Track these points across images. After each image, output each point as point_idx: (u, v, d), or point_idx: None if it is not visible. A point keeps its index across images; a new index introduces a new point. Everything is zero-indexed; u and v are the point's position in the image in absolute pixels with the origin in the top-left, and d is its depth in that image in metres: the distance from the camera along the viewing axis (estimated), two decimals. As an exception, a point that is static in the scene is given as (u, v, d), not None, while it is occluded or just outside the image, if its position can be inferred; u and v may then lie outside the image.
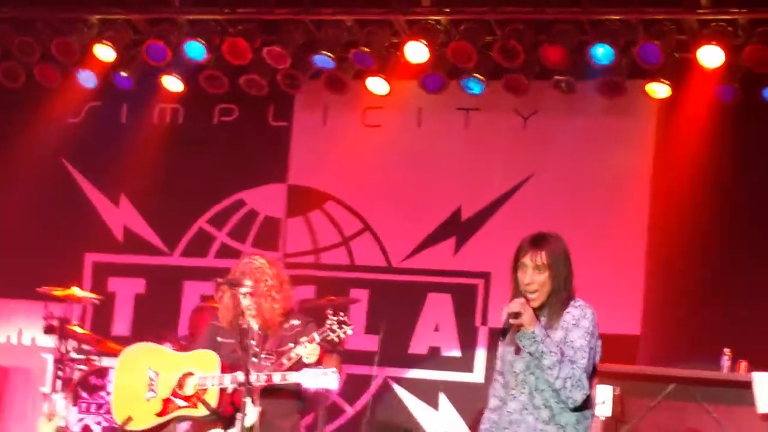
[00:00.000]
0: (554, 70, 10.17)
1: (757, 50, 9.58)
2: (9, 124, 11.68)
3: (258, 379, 7.07)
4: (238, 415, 6.94)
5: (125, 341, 9.22)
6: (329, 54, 10.41)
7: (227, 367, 7.24)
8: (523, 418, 5.53)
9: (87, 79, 11.01)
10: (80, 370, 9.74)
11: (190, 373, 7.33)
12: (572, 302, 5.57)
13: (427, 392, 10.72)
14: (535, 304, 5.52)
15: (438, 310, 10.79)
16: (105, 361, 9.77)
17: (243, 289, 7.29)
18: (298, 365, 7.17)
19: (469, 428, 10.40)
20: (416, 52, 10.26)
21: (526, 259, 5.55)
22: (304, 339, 7.21)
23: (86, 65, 10.93)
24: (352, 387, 10.57)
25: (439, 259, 10.85)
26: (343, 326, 7.17)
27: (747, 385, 8.20)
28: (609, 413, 8.35)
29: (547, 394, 5.49)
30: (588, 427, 5.61)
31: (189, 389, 7.32)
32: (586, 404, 5.54)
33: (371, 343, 10.46)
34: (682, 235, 10.11)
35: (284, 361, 7.20)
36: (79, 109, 11.62)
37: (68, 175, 11.64)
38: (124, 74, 10.96)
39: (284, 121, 11.33)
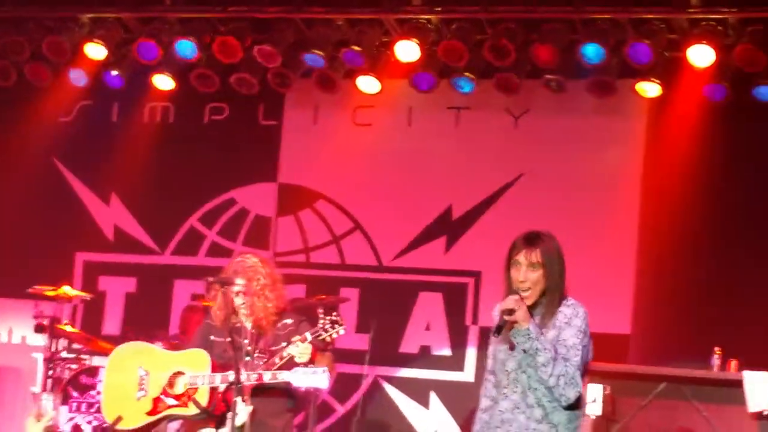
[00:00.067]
0: (545, 69, 10.17)
1: (747, 50, 9.59)
2: (0, 123, 11.67)
3: (248, 377, 7.08)
4: (229, 414, 6.94)
5: (116, 340, 9.22)
6: (320, 53, 10.41)
7: (219, 366, 7.23)
8: (514, 417, 5.51)
9: (78, 77, 11.00)
10: (71, 369, 9.73)
11: (181, 372, 7.32)
12: (564, 301, 5.57)
13: (418, 391, 10.72)
14: (528, 302, 5.50)
15: (429, 309, 10.79)
16: (95, 360, 9.77)
17: (235, 288, 7.30)
18: (290, 364, 7.17)
19: (460, 427, 10.40)
20: (407, 51, 10.26)
21: (520, 257, 5.54)
22: (296, 338, 7.22)
23: (77, 64, 10.92)
24: (343, 386, 10.56)
25: (429, 258, 10.85)
26: (336, 326, 7.19)
27: (737, 384, 8.19)
28: (600, 412, 8.33)
29: (539, 392, 5.48)
30: (579, 426, 5.60)
31: (179, 388, 7.31)
32: (578, 403, 5.53)
33: (362, 342, 10.47)
34: (673, 234, 10.12)
35: (276, 360, 7.21)
36: (70, 108, 11.61)
37: (59, 173, 11.63)
38: (115, 73, 10.94)
39: (275, 119, 11.33)
